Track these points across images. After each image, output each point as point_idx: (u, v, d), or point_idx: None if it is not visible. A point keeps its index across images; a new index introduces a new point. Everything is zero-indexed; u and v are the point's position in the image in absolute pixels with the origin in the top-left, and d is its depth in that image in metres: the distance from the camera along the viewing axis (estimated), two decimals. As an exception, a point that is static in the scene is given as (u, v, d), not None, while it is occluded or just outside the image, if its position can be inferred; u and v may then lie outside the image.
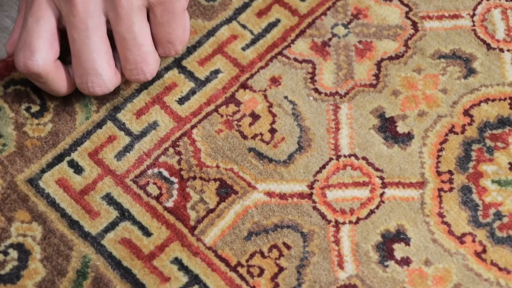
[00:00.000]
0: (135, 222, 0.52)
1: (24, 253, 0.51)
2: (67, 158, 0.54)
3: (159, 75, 0.57)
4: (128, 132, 0.55)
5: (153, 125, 0.56)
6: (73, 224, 0.52)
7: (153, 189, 0.53)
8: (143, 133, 0.55)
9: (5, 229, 0.51)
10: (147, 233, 0.51)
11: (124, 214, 0.52)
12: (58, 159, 0.54)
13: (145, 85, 0.57)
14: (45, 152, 0.54)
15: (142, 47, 0.52)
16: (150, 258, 0.50)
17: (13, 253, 0.51)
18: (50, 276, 0.50)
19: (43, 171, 0.54)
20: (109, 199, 0.52)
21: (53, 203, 0.52)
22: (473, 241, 0.50)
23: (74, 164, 0.54)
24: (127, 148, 0.55)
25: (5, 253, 0.51)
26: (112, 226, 0.52)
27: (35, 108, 0.56)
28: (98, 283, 0.49)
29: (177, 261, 0.50)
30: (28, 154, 0.54)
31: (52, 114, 0.56)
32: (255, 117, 0.56)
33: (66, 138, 0.55)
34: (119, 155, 0.54)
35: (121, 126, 0.55)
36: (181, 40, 0.54)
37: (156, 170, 0.54)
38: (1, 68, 0.57)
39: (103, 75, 0.52)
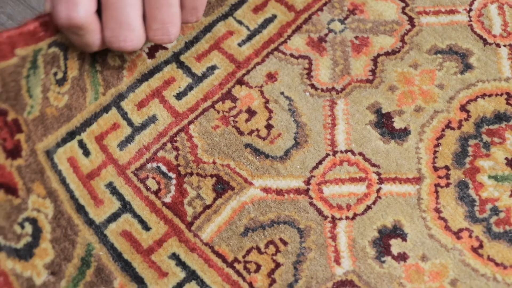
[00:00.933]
0: (135, 215, 0.52)
1: (37, 230, 0.50)
2: (78, 138, 0.54)
3: (159, 68, 0.57)
4: (130, 123, 0.55)
5: (152, 119, 0.56)
6: (80, 209, 0.52)
7: (152, 184, 0.53)
8: (143, 126, 0.55)
9: (24, 200, 0.51)
10: (146, 227, 0.51)
11: (126, 206, 0.52)
12: (71, 135, 0.54)
13: (146, 76, 0.57)
14: (60, 125, 0.54)
15: (171, 8, 0.52)
16: (149, 252, 0.50)
17: (28, 228, 0.50)
18: (58, 259, 0.50)
19: (58, 145, 0.53)
20: (112, 189, 0.53)
21: (64, 182, 0.52)
22: (470, 236, 0.50)
23: (83, 145, 0.54)
24: (129, 139, 0.55)
25: (22, 226, 0.50)
26: (114, 217, 0.52)
27: (59, 75, 0.55)
28: (100, 273, 0.49)
29: (174, 257, 0.50)
30: (47, 123, 0.54)
31: (69, 85, 0.55)
32: (251, 113, 0.56)
33: (77, 115, 0.55)
34: (122, 145, 0.54)
35: (124, 115, 0.55)
36: (203, 7, 0.54)
37: (154, 164, 0.54)
38: (53, 25, 0.56)
39: (136, 30, 0.51)
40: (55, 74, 0.55)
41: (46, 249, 0.50)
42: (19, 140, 0.52)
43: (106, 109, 0.55)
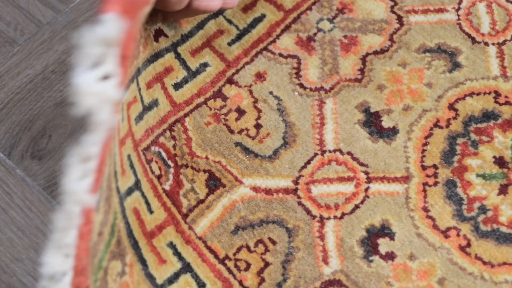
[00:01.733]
0: (143, 195, 0.52)
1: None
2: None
3: (161, 53, 0.57)
4: (141, 99, 0.55)
5: (156, 102, 0.55)
6: (116, 174, 0.51)
7: (155, 168, 0.53)
8: (149, 107, 0.55)
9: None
10: (150, 210, 0.51)
11: (137, 184, 0.52)
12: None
13: (153, 58, 0.56)
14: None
15: None
16: (151, 236, 0.51)
17: None
18: (103, 220, 0.48)
19: None
20: (130, 162, 0.52)
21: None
22: (458, 235, 0.51)
23: (122, 108, 0.53)
24: (141, 115, 0.54)
25: None
26: (130, 191, 0.51)
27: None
28: (118, 245, 0.49)
29: (171, 246, 0.51)
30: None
31: None
32: (241, 112, 0.56)
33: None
34: (137, 120, 0.54)
35: (139, 91, 0.55)
36: None
37: (157, 149, 0.54)
38: None
39: None
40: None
41: (100, 208, 0.49)
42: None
43: (132, 79, 0.55)
